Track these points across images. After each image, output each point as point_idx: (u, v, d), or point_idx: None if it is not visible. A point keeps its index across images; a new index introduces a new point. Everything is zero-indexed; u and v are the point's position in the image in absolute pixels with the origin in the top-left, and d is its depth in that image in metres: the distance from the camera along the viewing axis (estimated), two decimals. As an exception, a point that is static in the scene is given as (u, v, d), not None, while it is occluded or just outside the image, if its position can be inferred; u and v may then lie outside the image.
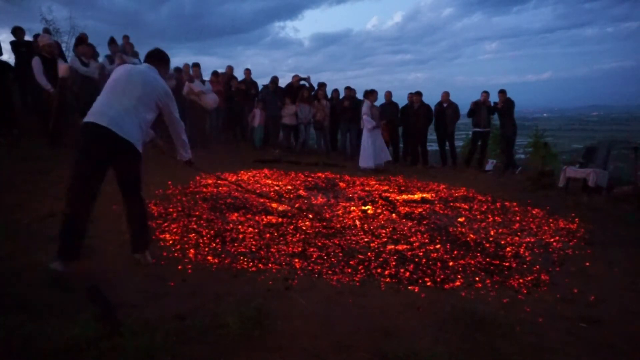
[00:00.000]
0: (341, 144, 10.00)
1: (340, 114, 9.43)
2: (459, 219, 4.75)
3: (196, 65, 8.51)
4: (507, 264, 3.51)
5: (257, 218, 4.28)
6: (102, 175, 2.72)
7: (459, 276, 3.19)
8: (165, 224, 3.89)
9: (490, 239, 4.12)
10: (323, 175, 6.96)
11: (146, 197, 3.10)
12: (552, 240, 4.19)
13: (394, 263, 3.34)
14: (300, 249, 3.54)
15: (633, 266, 3.56)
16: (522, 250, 3.86)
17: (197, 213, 4.26)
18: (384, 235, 4.02)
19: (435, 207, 5.24)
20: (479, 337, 2.24)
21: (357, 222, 4.38)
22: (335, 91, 10.08)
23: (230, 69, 9.82)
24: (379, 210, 4.91)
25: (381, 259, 3.40)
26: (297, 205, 4.92)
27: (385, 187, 6.41)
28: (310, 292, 2.75)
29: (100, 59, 8.00)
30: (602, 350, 2.28)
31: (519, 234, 4.37)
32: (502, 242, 4.04)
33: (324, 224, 4.26)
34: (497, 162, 8.91)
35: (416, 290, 2.91)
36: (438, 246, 3.78)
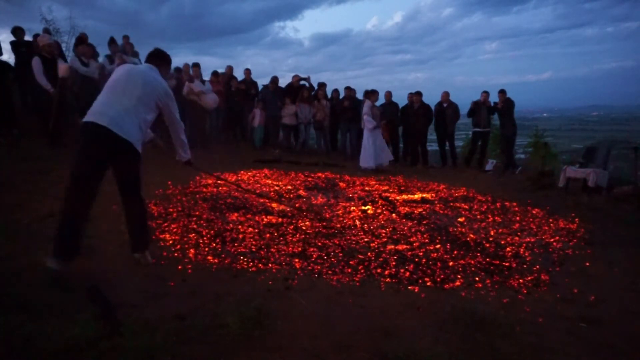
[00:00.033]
0: (341, 144, 10.00)
1: (340, 114, 9.43)
2: (459, 219, 4.75)
3: (196, 65, 8.51)
4: (507, 264, 3.51)
5: (257, 218, 4.28)
6: (101, 175, 2.73)
7: (459, 276, 3.19)
8: (165, 224, 3.89)
9: (490, 239, 4.12)
10: (323, 175, 6.96)
11: (146, 197, 3.10)
12: (552, 240, 4.19)
13: (394, 263, 3.34)
14: (300, 249, 3.54)
15: (633, 266, 3.56)
16: (522, 250, 3.86)
17: (197, 213, 4.26)
18: (384, 235, 4.02)
19: (435, 207, 5.24)
20: (479, 337, 2.24)
21: (357, 222, 4.38)
22: (335, 91, 10.08)
23: (230, 69, 9.82)
24: (379, 210, 4.91)
25: (381, 259, 3.40)
26: (297, 205, 4.92)
27: (385, 187, 6.41)
28: (310, 292, 2.75)
29: (100, 59, 8.00)
30: (602, 350, 2.28)
31: (519, 234, 4.37)
32: (502, 242, 4.04)
33: (324, 224, 4.26)
34: (497, 162, 8.91)
35: (416, 290, 2.91)
36: (438, 246, 3.78)
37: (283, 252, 3.45)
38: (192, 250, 3.34)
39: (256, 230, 3.90)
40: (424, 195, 5.93)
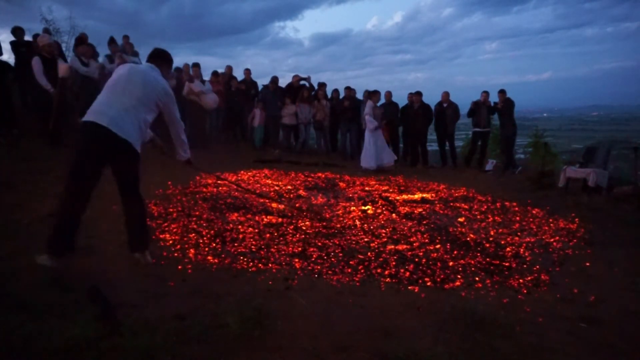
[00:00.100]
0: (341, 144, 10.00)
1: (340, 114, 9.43)
2: (459, 219, 4.75)
3: (196, 65, 8.51)
4: (507, 264, 3.51)
5: (257, 218, 4.28)
6: (100, 175, 2.73)
7: (459, 276, 3.19)
8: (165, 224, 3.89)
9: (490, 239, 4.12)
10: (323, 175, 6.96)
11: (146, 197, 3.11)
12: (552, 240, 4.19)
13: (394, 263, 3.34)
14: (300, 249, 3.54)
15: (633, 266, 3.56)
16: (522, 250, 3.86)
17: (197, 213, 4.26)
18: (384, 235, 4.02)
19: (435, 207, 5.24)
20: (479, 337, 2.24)
21: (357, 222, 4.38)
22: (335, 91, 10.08)
23: (229, 69, 9.82)
24: (379, 210, 4.91)
25: (381, 259, 3.40)
26: (297, 205, 4.92)
27: (385, 187, 6.41)
28: (310, 292, 2.75)
29: (100, 59, 8.00)
30: (602, 350, 2.28)
31: (519, 234, 4.37)
32: (502, 242, 4.04)
33: (324, 224, 4.26)
34: (497, 162, 8.91)
35: (416, 290, 2.91)
36: (438, 246, 3.78)
37: (283, 252, 3.45)
38: (192, 250, 3.34)
39: (256, 230, 3.90)
40: (424, 195, 5.93)
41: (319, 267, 3.21)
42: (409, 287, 2.95)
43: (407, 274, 3.17)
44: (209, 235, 3.68)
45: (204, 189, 5.30)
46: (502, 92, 8.49)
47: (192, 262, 3.13)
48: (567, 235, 4.39)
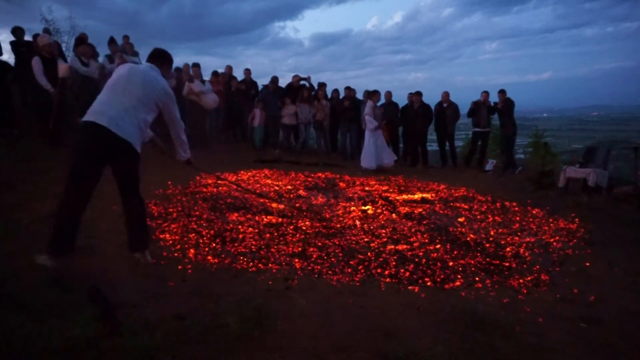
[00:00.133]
0: (341, 144, 10.00)
1: (340, 114, 9.43)
2: (459, 219, 4.75)
3: (196, 65, 8.51)
4: (507, 264, 3.51)
5: (257, 218, 4.28)
6: (99, 175, 2.73)
7: (459, 276, 3.19)
8: (165, 224, 3.89)
9: (490, 239, 4.12)
10: (323, 175, 6.96)
11: (146, 197, 3.11)
12: (552, 240, 4.19)
13: (394, 263, 3.34)
14: (300, 249, 3.54)
15: (633, 266, 3.56)
16: (522, 250, 3.86)
17: (197, 213, 4.26)
18: (384, 235, 4.02)
19: (435, 207, 5.24)
20: (479, 337, 2.24)
21: (357, 222, 4.38)
22: (335, 91, 10.08)
23: (229, 69, 9.82)
24: (379, 210, 4.91)
25: (381, 259, 3.40)
26: (297, 205, 4.92)
27: (385, 187, 6.41)
28: (310, 292, 2.75)
29: (100, 59, 8.00)
30: (602, 350, 2.28)
31: (519, 234, 4.37)
32: (502, 242, 4.04)
33: (324, 224, 4.26)
34: (497, 162, 8.91)
35: (416, 290, 2.91)
36: (438, 246, 3.78)
37: (283, 252, 3.45)
38: (192, 250, 3.34)
39: (256, 230, 3.90)
40: (424, 195, 5.93)
41: (319, 267, 3.21)
42: (409, 287, 2.95)
43: (407, 274, 3.17)
44: (209, 235, 3.68)
45: (204, 189, 5.30)
46: (502, 92, 8.49)
47: (192, 262, 3.13)
48: (567, 235, 4.39)
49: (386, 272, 3.17)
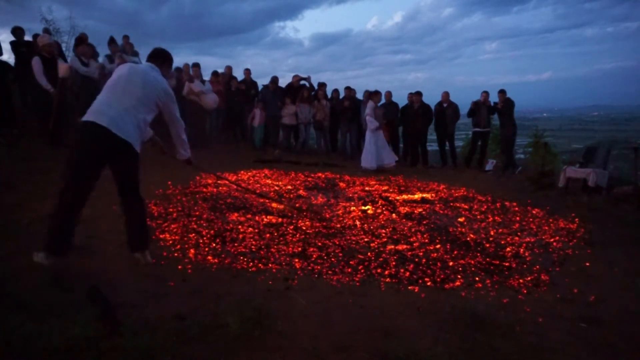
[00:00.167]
0: (341, 144, 10.00)
1: (340, 114, 9.43)
2: (459, 219, 4.75)
3: (196, 65, 8.51)
4: (507, 264, 3.51)
5: (257, 218, 4.28)
6: (98, 175, 2.73)
7: (459, 276, 3.19)
8: (165, 224, 3.89)
9: (490, 239, 4.12)
10: (323, 175, 6.96)
11: (146, 197, 3.11)
12: (552, 240, 4.19)
13: (394, 263, 3.34)
14: (300, 249, 3.54)
15: (633, 266, 3.56)
16: (522, 250, 3.86)
17: (197, 213, 4.26)
18: (384, 235, 4.02)
19: (435, 207, 5.24)
20: (479, 337, 2.24)
21: (357, 222, 4.38)
22: (335, 91, 10.08)
23: (229, 69, 9.82)
24: (379, 210, 4.91)
25: (381, 259, 3.40)
26: (297, 205, 4.92)
27: (385, 187, 6.41)
28: (310, 292, 2.75)
29: (100, 59, 8.00)
30: (602, 350, 2.28)
31: (519, 234, 4.37)
32: (502, 242, 4.04)
33: (324, 224, 4.26)
34: (497, 162, 8.91)
35: (416, 290, 2.91)
36: (438, 246, 3.78)
37: (283, 252, 3.45)
38: (192, 250, 3.34)
39: (256, 230, 3.90)
40: (424, 195, 5.93)
41: (319, 267, 3.21)
42: (409, 287, 2.95)
43: (407, 274, 3.17)
44: (209, 235, 3.68)
45: (204, 189, 5.30)
46: (502, 92, 8.49)
47: (192, 262, 3.13)
48: (567, 235, 4.39)
49: (386, 272, 3.17)
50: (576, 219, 4.92)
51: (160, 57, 3.03)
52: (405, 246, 3.76)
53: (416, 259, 3.44)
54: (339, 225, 4.23)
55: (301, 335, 2.18)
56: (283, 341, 2.11)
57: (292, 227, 4.08)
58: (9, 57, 7.74)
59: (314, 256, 3.40)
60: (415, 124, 8.89)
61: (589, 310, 2.75)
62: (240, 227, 3.97)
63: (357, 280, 3.03)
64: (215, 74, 9.02)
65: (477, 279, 3.17)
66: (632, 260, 3.70)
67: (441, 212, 5.06)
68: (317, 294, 2.73)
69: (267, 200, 4.88)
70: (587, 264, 3.59)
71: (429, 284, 3.05)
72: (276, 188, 5.79)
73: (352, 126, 9.31)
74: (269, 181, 6.24)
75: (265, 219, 4.25)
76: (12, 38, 7.52)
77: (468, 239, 4.05)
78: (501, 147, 9.14)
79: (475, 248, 3.83)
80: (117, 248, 3.17)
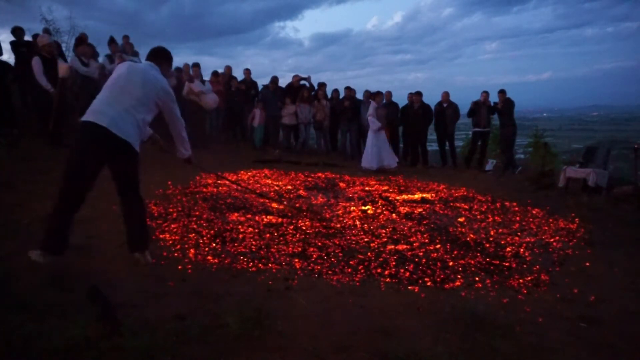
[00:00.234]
0: (341, 144, 10.00)
1: (340, 114, 9.43)
2: (459, 219, 4.75)
3: (196, 65, 8.51)
4: (507, 264, 3.51)
5: (257, 218, 4.28)
6: (97, 175, 2.73)
7: (459, 276, 3.19)
8: (165, 224, 3.89)
9: (490, 239, 4.12)
10: (323, 175, 6.96)
11: (146, 197, 3.11)
12: (552, 240, 4.19)
13: (394, 263, 3.33)
14: (300, 249, 3.54)
15: (633, 266, 3.56)
16: (522, 250, 3.86)
17: (197, 213, 4.26)
18: (384, 235, 4.02)
19: (435, 207, 5.24)
20: (479, 337, 2.24)
21: (357, 222, 4.38)
22: (335, 91, 10.09)
23: (229, 69, 9.82)
24: (379, 210, 4.91)
25: (381, 259, 3.40)
26: (297, 205, 4.92)
27: (385, 187, 6.41)
28: (310, 292, 2.74)
29: (100, 59, 8.01)
30: (602, 350, 2.28)
31: (519, 234, 4.36)
32: (502, 242, 4.04)
33: (324, 224, 4.26)
34: (497, 162, 8.92)
35: (416, 290, 2.91)
36: (438, 246, 3.78)
37: (283, 252, 3.45)
38: (192, 250, 3.33)
39: (256, 230, 3.90)
40: (424, 195, 5.93)
41: (319, 267, 3.21)
42: (409, 287, 2.95)
43: (407, 274, 3.17)
44: (209, 235, 3.68)
45: (204, 189, 5.30)
46: (502, 92, 8.50)
47: (192, 262, 3.13)
48: (567, 235, 4.39)
49: (386, 272, 3.17)
50: (576, 219, 4.92)
51: (160, 56, 3.02)
52: (405, 246, 3.76)
53: (416, 259, 3.44)
54: (339, 225, 4.23)
55: (301, 335, 2.18)
56: (283, 341, 2.11)
57: (292, 227, 4.08)
58: (9, 57, 7.76)
59: (314, 256, 3.40)
60: (415, 124, 8.90)
61: (589, 310, 2.75)
62: (240, 227, 3.97)
63: (357, 280, 3.03)
64: (215, 74, 9.02)
65: (477, 279, 3.16)
66: (632, 260, 3.69)
67: (441, 212, 5.06)
68: (317, 294, 2.73)
69: (267, 200, 4.88)
70: (587, 264, 3.59)
71: (429, 284, 3.05)
72: (276, 188, 5.79)
73: (352, 126, 9.32)
74: (269, 181, 6.24)
75: (265, 219, 4.25)
76: (12, 38, 7.52)
77: (468, 239, 4.05)
78: (501, 147, 9.14)
79: (475, 248, 3.82)
80: (117, 248, 3.17)
